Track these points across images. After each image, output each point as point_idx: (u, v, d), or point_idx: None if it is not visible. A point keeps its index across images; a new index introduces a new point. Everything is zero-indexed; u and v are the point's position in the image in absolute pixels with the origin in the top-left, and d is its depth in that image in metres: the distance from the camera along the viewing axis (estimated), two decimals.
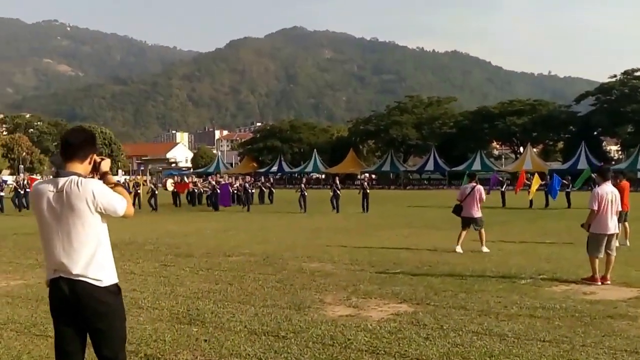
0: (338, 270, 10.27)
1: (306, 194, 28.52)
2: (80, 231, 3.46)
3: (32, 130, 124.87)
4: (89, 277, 3.45)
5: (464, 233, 12.93)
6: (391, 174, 78.57)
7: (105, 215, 3.54)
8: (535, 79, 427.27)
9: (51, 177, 3.61)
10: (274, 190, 36.08)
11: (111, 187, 3.61)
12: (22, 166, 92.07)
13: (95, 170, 3.71)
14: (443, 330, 6.30)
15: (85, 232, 3.47)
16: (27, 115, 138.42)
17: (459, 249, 12.68)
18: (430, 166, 72.77)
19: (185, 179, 38.13)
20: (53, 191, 3.48)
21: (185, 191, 33.71)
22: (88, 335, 3.55)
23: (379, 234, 17.23)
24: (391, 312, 7.13)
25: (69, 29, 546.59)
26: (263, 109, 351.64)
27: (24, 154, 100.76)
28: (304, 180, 30.11)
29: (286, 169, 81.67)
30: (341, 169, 75.63)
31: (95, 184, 3.53)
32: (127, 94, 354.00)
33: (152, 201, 29.74)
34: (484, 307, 7.38)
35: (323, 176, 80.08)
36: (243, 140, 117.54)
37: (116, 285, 3.58)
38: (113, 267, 3.61)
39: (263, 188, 35.19)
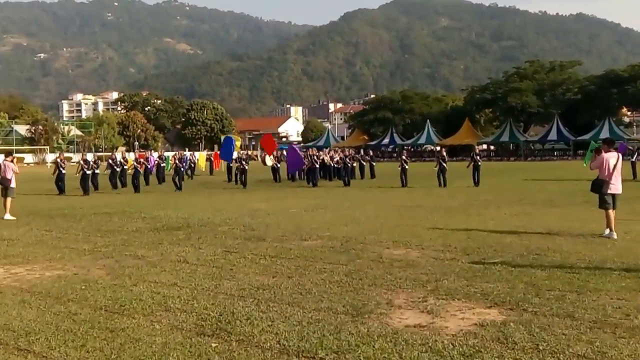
0: (423, 260, 8.81)
1: (407, 167, 27.01)
2: None
3: (148, 107, 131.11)
4: None
5: (612, 213, 10.79)
6: (511, 145, 75.22)
7: None
8: None
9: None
10: (374, 164, 34.67)
11: None
12: (136, 143, 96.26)
13: None
14: (538, 351, 4.79)
15: None
16: (145, 94, 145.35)
17: (614, 235, 10.62)
18: (553, 135, 69.26)
19: (285, 152, 37.31)
20: None
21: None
22: None
23: (485, 212, 15.38)
24: (474, 322, 5.64)
25: (187, 8, 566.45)
26: (377, 80, 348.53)
27: (139, 131, 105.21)
28: (404, 152, 28.44)
29: (398, 140, 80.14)
30: (456, 140, 73.26)
31: None
32: (244, 70, 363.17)
33: (242, 178, 28.42)
34: (599, 315, 5.77)
35: (438, 148, 77.79)
36: (354, 112, 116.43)
37: None
38: None
39: (362, 161, 33.75)
